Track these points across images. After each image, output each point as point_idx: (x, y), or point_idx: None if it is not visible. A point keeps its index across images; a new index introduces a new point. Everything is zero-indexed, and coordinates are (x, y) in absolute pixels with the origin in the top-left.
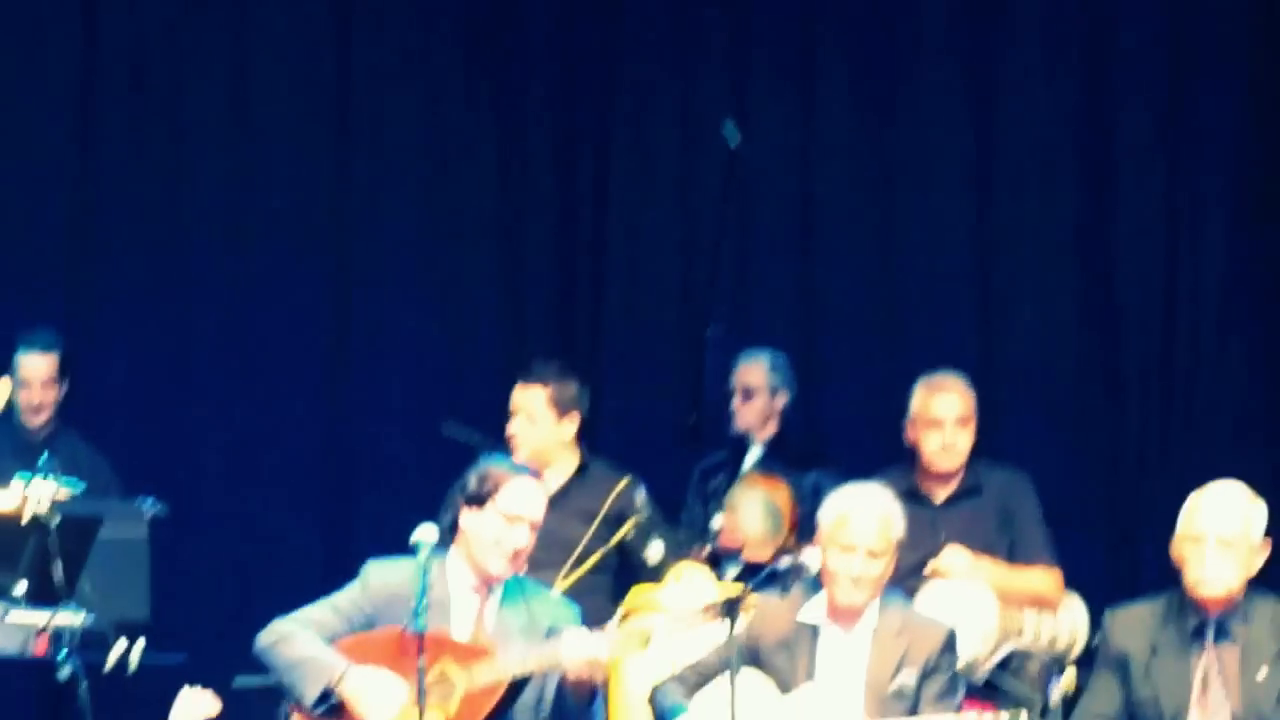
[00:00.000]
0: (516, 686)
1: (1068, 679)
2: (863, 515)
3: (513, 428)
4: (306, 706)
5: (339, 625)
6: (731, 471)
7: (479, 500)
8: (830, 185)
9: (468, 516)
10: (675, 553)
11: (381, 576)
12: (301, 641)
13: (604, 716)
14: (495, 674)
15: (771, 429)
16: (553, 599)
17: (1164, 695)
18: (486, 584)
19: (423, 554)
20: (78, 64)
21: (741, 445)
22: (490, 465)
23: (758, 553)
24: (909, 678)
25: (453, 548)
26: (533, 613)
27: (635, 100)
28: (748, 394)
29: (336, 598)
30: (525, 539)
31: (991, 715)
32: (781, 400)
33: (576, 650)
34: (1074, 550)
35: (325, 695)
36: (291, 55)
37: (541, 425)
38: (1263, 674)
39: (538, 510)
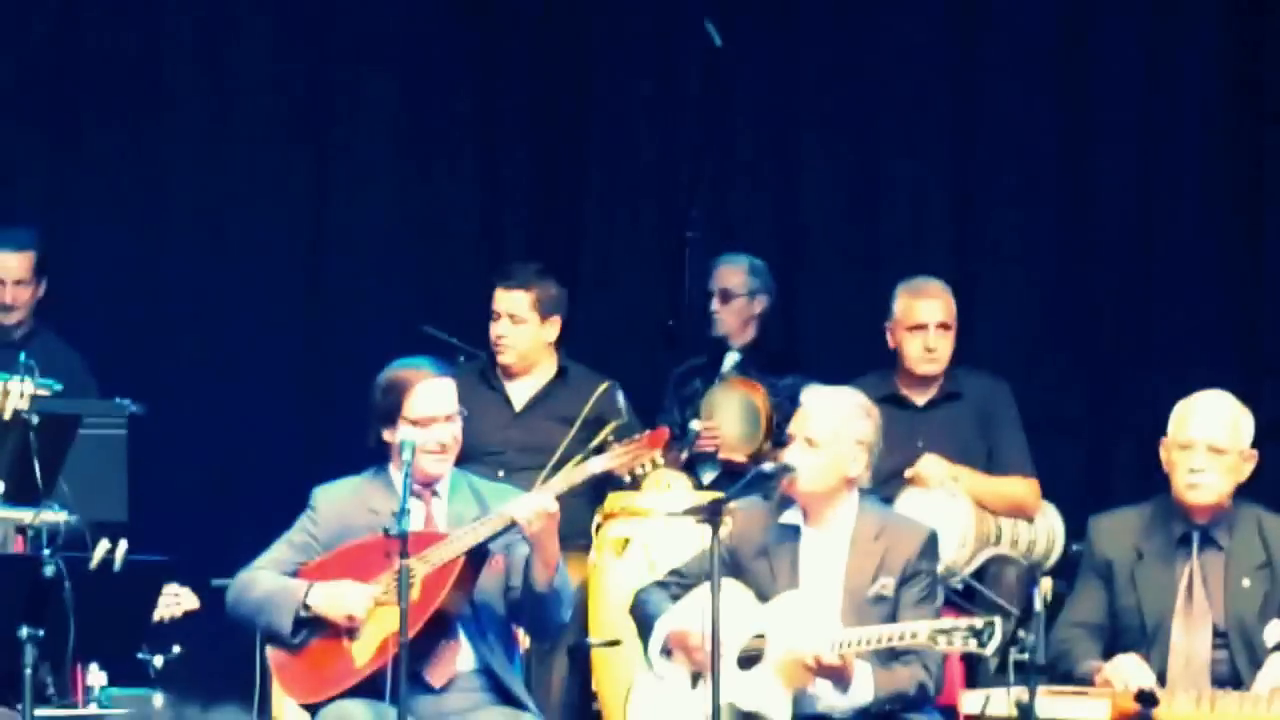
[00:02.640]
0: (475, 557)
1: (1045, 587)
2: (811, 405)
3: (499, 329)
4: (287, 639)
5: (297, 557)
6: (708, 375)
7: (388, 417)
8: (811, 87)
9: (386, 434)
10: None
11: (328, 498)
12: (261, 583)
13: (569, 591)
14: (450, 550)
15: (750, 333)
16: (502, 486)
17: (1148, 602)
18: (428, 486)
19: (407, 453)
20: None
21: (719, 349)
22: (388, 375)
23: (734, 454)
24: (888, 582)
25: (389, 464)
26: (484, 501)
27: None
28: (726, 297)
29: (289, 533)
30: (446, 433)
31: (966, 622)
32: (760, 304)
33: (524, 504)
34: (1050, 458)
35: (301, 623)
36: None
37: (527, 328)
38: (1246, 583)
39: (448, 404)
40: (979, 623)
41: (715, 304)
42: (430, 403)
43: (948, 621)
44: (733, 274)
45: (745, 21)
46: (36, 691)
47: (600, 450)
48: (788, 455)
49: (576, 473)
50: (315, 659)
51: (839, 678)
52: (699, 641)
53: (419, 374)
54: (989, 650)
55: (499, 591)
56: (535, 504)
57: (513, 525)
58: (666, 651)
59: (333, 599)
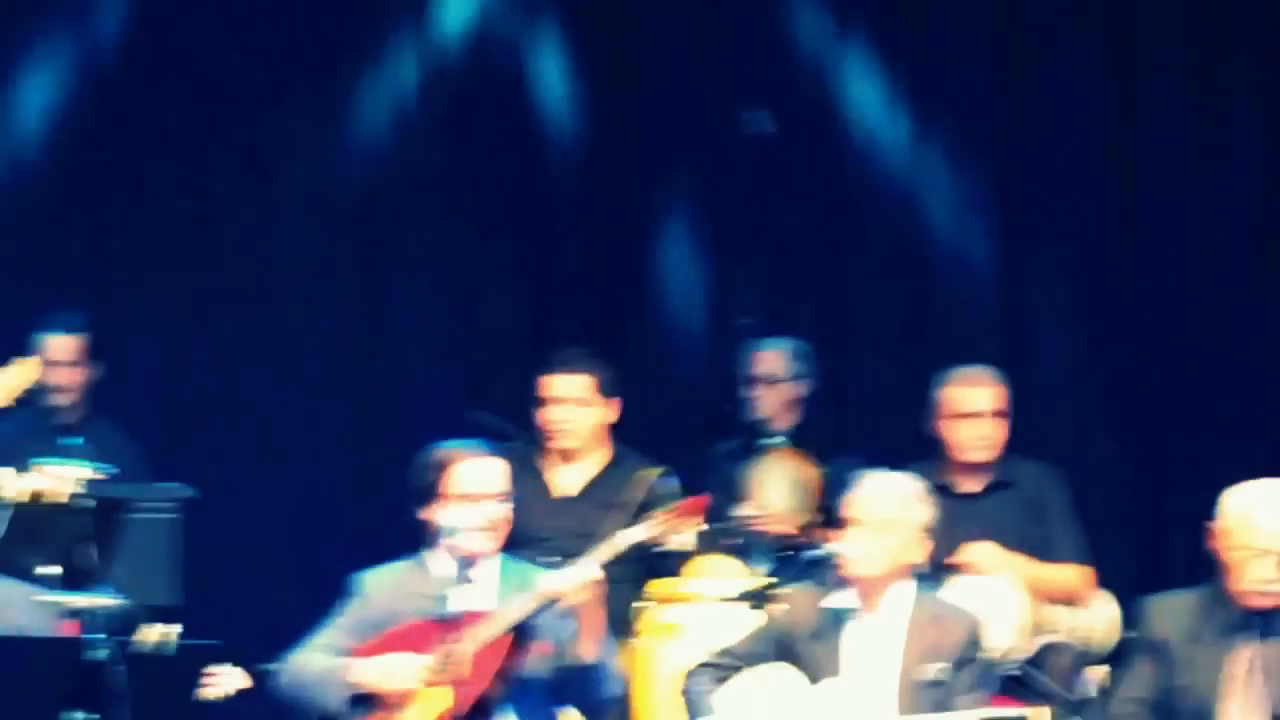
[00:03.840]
0: (522, 638)
1: (1101, 675)
2: (870, 490)
3: (559, 414)
4: (338, 718)
5: (346, 640)
6: (746, 459)
7: (430, 497)
8: (860, 176)
9: (430, 514)
10: (705, 544)
11: (375, 584)
12: (313, 664)
13: (618, 665)
14: (494, 627)
15: (792, 418)
16: (547, 569)
17: (1202, 685)
18: (476, 566)
19: (453, 525)
20: (110, 44)
21: (758, 433)
22: (427, 459)
23: (782, 525)
24: (942, 669)
25: (435, 548)
26: (529, 583)
27: (666, 89)
28: (768, 381)
29: (336, 617)
30: (493, 512)
31: (1016, 711)
32: (802, 389)
33: (567, 576)
34: (1104, 546)
35: (352, 701)
36: (314, 26)
37: (592, 411)
38: None
39: (493, 481)
40: (1029, 712)
41: (755, 388)
42: (477, 479)
43: (998, 710)
44: (775, 358)
45: (795, 108)
46: None
47: None
48: (843, 540)
49: (618, 539)
50: None
51: None
52: None
53: (465, 451)
54: None
55: (545, 673)
56: (579, 575)
57: (556, 600)
58: None
59: (385, 672)
